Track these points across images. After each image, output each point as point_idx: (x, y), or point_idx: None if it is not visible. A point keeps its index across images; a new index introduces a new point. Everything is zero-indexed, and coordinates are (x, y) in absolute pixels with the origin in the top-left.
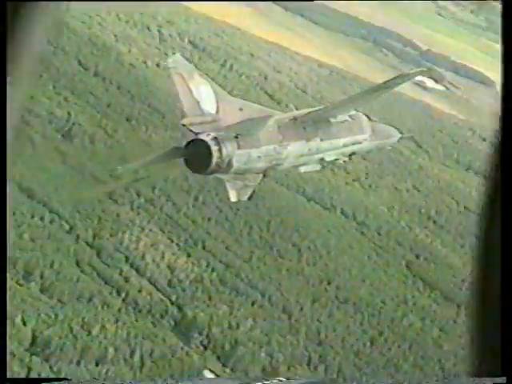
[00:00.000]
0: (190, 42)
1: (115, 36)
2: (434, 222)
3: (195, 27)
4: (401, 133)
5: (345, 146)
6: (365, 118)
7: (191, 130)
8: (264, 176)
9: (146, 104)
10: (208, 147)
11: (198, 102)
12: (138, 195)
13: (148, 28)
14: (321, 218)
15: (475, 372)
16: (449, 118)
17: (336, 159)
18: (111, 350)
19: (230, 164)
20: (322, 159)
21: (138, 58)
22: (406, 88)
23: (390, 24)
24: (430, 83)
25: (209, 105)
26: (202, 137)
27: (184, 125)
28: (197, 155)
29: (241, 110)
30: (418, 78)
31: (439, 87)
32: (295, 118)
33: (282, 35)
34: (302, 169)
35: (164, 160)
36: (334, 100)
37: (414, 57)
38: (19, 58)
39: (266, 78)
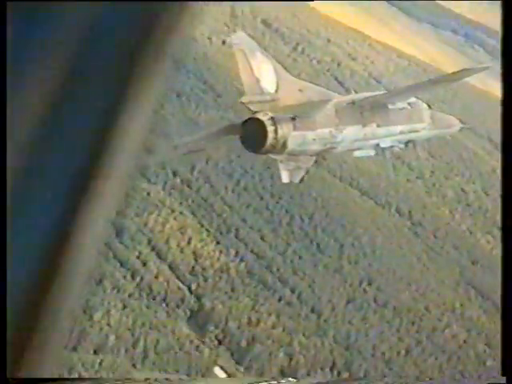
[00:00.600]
0: (262, 20)
1: None
2: (499, 228)
3: (271, 5)
4: (462, 123)
5: (402, 133)
6: (425, 106)
7: (249, 109)
8: (315, 161)
9: (202, 81)
10: (264, 127)
11: (257, 80)
12: (175, 175)
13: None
14: (371, 215)
15: None
16: None
17: (392, 146)
18: (112, 338)
19: (284, 145)
20: (377, 145)
21: (202, 33)
22: (495, 87)
23: (485, 18)
24: None
25: (268, 84)
26: (259, 116)
27: (243, 102)
28: (252, 134)
29: (300, 91)
30: None
31: None
32: (353, 102)
33: (365, 22)
34: (356, 153)
35: (220, 136)
36: None
37: None
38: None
39: (338, 65)
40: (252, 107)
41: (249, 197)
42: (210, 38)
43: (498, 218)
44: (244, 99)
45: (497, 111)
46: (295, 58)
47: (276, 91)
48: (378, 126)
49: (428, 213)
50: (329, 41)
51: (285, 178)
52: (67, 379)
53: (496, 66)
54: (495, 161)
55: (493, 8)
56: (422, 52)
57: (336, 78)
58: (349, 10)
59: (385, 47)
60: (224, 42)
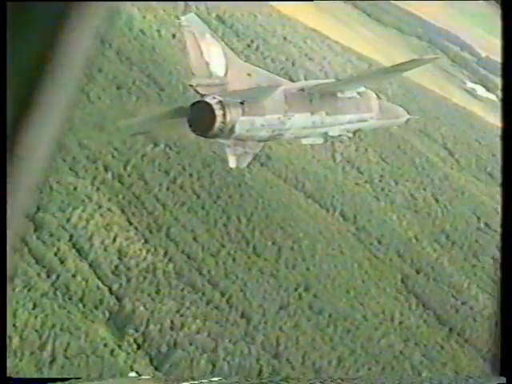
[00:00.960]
0: (217, 16)
1: None
2: (447, 236)
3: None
4: (408, 114)
5: (350, 122)
6: (373, 96)
7: (197, 92)
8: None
9: (145, 74)
10: (212, 110)
11: (207, 64)
12: (106, 169)
13: None
14: (314, 218)
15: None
16: (491, 130)
17: (340, 135)
18: (16, 340)
19: (232, 129)
20: (325, 133)
21: (151, 26)
22: (454, 93)
23: (450, 26)
24: (481, 91)
25: (218, 67)
26: (208, 99)
27: (191, 85)
28: (200, 117)
29: (249, 75)
30: (470, 85)
31: (491, 96)
32: (302, 89)
33: (326, 23)
34: (304, 141)
35: (168, 118)
36: None
37: (468, 62)
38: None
39: (293, 64)
40: (200, 90)
41: (184, 195)
42: (158, 31)
43: (447, 226)
44: (193, 82)
45: (454, 117)
46: (248, 55)
47: (225, 75)
48: (327, 114)
49: (374, 218)
50: (285, 39)
51: (232, 162)
52: (67, 379)
53: (457, 73)
54: (448, 167)
55: (458, 16)
56: (384, 56)
57: (290, 78)
58: (311, 11)
59: (344, 49)
60: (174, 36)
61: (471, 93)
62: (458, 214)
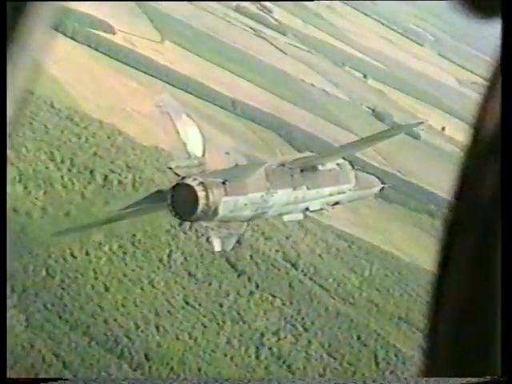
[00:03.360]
0: None
1: None
2: None
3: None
4: (383, 183)
5: (330, 195)
6: (349, 167)
7: (177, 174)
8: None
9: None
10: (194, 192)
11: (184, 144)
12: None
13: None
14: None
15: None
16: None
17: (321, 209)
18: None
19: (216, 211)
20: (306, 208)
21: None
22: None
23: None
24: None
25: (195, 147)
26: (188, 181)
27: (170, 168)
28: (182, 200)
29: (227, 153)
30: None
31: None
32: (283, 165)
33: None
34: (286, 218)
35: (146, 204)
36: None
37: None
38: None
39: None
40: (179, 172)
41: None
42: None
43: None
44: (172, 164)
45: None
46: None
47: (203, 155)
48: (308, 188)
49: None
50: None
51: (217, 246)
52: (67, 379)
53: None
54: None
55: None
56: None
57: None
58: None
59: None
60: None
61: None
62: None
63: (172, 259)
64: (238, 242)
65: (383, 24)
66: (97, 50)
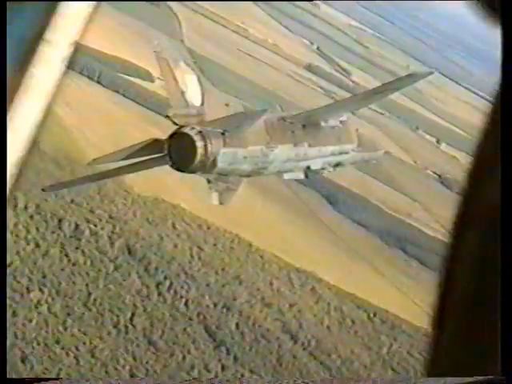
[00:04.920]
0: None
1: None
2: None
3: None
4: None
5: (332, 154)
6: (353, 126)
7: (174, 123)
8: None
9: None
10: (192, 142)
11: (182, 93)
12: None
13: None
14: None
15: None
16: None
17: (322, 168)
18: None
19: (214, 163)
20: (308, 167)
21: None
22: None
23: None
24: None
25: (194, 96)
26: (186, 130)
27: (168, 116)
28: (179, 150)
29: (227, 105)
30: None
31: None
32: (284, 119)
33: None
34: (286, 176)
35: (142, 154)
36: None
37: None
38: None
39: None
40: (177, 121)
41: None
42: None
43: None
44: (169, 112)
45: None
46: None
47: (201, 104)
48: (310, 145)
49: None
50: None
51: (215, 199)
52: (67, 379)
53: None
54: None
55: None
56: None
57: None
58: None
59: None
60: None
61: None
62: None
63: (131, 324)
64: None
65: (474, 92)
66: (124, 95)
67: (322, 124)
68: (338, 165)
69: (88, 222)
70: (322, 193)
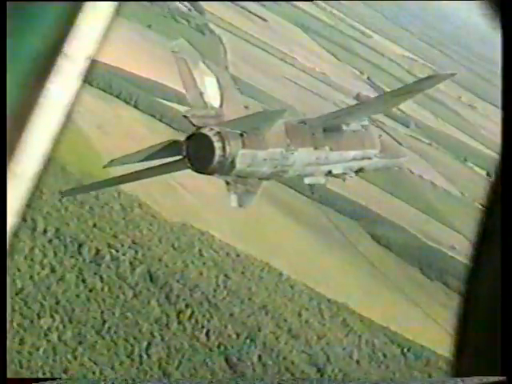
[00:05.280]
0: None
1: None
2: None
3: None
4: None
5: (354, 159)
6: (376, 130)
7: (192, 123)
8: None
9: None
10: (211, 143)
11: (201, 93)
12: None
13: None
14: None
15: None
16: None
17: (344, 173)
18: None
19: (233, 164)
20: (329, 171)
21: None
22: None
23: None
24: None
25: (212, 97)
26: (205, 131)
27: (185, 116)
28: (198, 151)
29: (246, 107)
30: None
31: None
32: (304, 122)
33: None
34: (307, 180)
35: (161, 155)
36: None
37: None
38: None
39: None
40: (195, 122)
41: None
42: None
43: None
44: (187, 112)
45: None
46: None
47: (220, 106)
48: (331, 149)
49: None
50: None
51: (233, 201)
52: (67, 379)
53: None
54: None
55: None
56: None
57: None
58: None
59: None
60: None
61: None
62: None
63: (147, 354)
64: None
65: None
66: (161, 120)
67: (344, 128)
68: (360, 170)
69: (109, 246)
70: (360, 223)
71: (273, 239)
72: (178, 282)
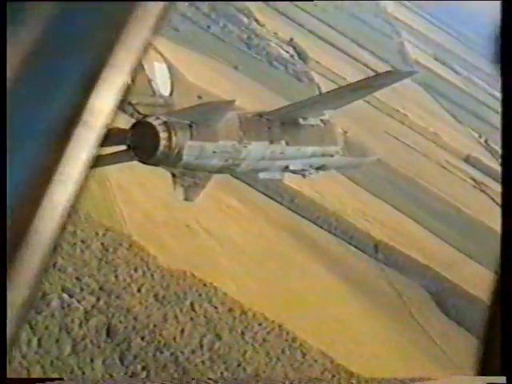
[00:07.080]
0: None
1: None
2: None
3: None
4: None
5: (314, 155)
6: (338, 127)
7: (138, 112)
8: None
9: None
10: (156, 132)
11: (149, 80)
12: None
13: None
14: None
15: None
16: None
17: (303, 169)
18: None
19: (179, 155)
20: (286, 167)
21: None
22: None
23: None
24: None
25: (162, 85)
26: (150, 120)
27: (131, 103)
28: (142, 140)
29: (200, 97)
30: None
31: None
32: (260, 115)
33: None
34: (262, 175)
35: (107, 144)
36: None
37: None
38: None
39: None
40: (142, 110)
41: None
42: None
43: None
44: (133, 100)
45: None
46: None
47: (170, 94)
48: (288, 144)
49: None
50: None
51: (180, 195)
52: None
53: None
54: None
55: None
56: None
57: None
58: None
59: None
60: None
61: None
62: None
63: None
64: None
65: None
66: None
67: (301, 121)
68: (321, 168)
69: (63, 290)
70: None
71: (301, 302)
72: (142, 339)
